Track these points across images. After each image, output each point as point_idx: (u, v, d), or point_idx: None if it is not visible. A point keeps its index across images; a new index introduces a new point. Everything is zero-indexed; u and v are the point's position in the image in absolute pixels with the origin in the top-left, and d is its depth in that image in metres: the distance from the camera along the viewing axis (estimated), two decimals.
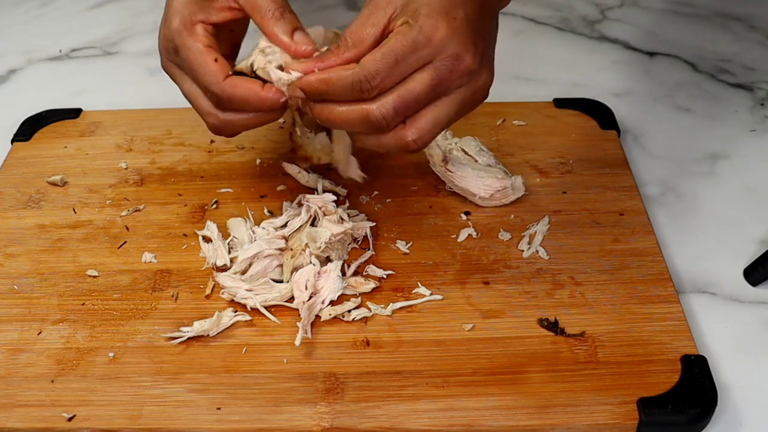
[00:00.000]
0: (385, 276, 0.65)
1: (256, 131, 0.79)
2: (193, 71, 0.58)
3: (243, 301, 0.63)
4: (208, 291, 0.64)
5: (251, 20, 0.59)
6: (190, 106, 0.61)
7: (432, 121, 0.56)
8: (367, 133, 0.57)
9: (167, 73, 0.62)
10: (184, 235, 0.69)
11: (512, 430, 0.55)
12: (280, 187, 0.73)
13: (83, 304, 0.64)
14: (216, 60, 0.58)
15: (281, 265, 0.64)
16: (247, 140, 0.78)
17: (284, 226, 0.67)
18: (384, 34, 0.55)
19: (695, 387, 0.57)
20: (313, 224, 0.66)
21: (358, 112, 0.55)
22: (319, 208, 0.66)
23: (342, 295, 0.63)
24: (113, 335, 0.61)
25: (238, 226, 0.68)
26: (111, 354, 0.60)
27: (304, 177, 0.73)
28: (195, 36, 0.58)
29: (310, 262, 0.64)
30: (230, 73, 0.58)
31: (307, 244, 0.64)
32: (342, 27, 0.56)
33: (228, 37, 0.62)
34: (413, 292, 0.64)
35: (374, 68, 0.53)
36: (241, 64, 0.59)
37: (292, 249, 0.64)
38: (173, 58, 0.60)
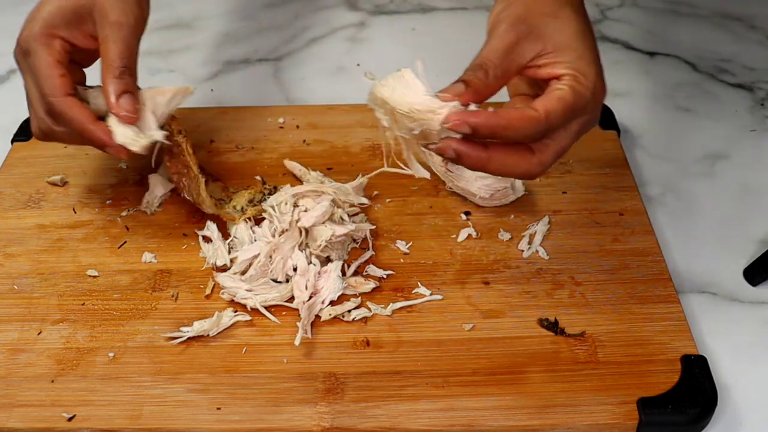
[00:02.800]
0: (385, 276, 0.65)
1: (255, 132, 0.79)
2: (38, 78, 0.62)
3: (243, 301, 0.63)
4: (208, 291, 0.64)
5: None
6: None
7: (555, 153, 0.56)
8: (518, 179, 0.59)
9: (16, 62, 0.65)
10: (184, 235, 0.69)
11: (512, 430, 0.55)
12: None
13: (83, 304, 0.64)
14: (62, 76, 0.61)
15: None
16: (247, 140, 0.78)
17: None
18: (525, 68, 0.55)
19: (695, 387, 0.57)
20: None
21: (522, 167, 0.55)
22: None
23: (342, 295, 0.63)
24: (113, 335, 0.61)
25: (238, 226, 0.68)
26: (111, 354, 0.60)
27: (306, 175, 0.73)
28: (50, 49, 0.62)
29: (311, 262, 0.64)
30: (71, 93, 0.61)
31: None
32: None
33: (80, 60, 0.66)
34: (413, 292, 0.64)
35: (557, 123, 0.54)
36: None
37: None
38: (22, 60, 0.63)
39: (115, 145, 0.61)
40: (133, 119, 0.62)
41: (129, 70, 0.62)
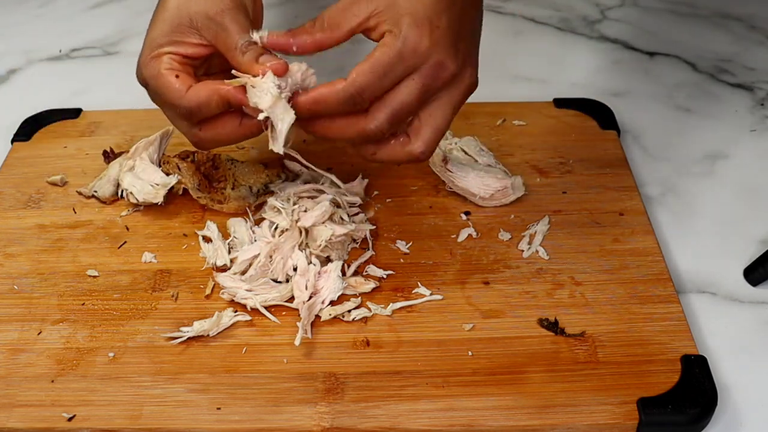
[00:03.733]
0: (385, 276, 0.65)
1: None
2: (161, 95, 0.60)
3: (243, 301, 0.63)
4: (208, 291, 0.64)
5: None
6: None
7: (434, 130, 0.58)
8: (365, 144, 0.59)
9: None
10: (184, 235, 0.69)
11: (512, 430, 0.55)
12: None
13: (83, 304, 0.64)
14: (177, 76, 0.59)
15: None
16: (247, 140, 0.78)
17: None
18: (360, 26, 0.56)
19: (695, 387, 0.57)
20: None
21: (355, 127, 0.57)
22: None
23: (342, 295, 0.63)
24: (113, 335, 0.61)
25: (238, 226, 0.68)
26: (111, 354, 0.60)
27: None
28: (159, 62, 0.59)
29: (311, 262, 0.64)
30: (192, 84, 0.58)
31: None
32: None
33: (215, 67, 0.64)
34: (413, 292, 0.64)
35: (365, 81, 0.55)
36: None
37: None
38: (148, 93, 0.61)
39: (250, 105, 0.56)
40: (284, 66, 0.56)
41: (253, 42, 0.57)
